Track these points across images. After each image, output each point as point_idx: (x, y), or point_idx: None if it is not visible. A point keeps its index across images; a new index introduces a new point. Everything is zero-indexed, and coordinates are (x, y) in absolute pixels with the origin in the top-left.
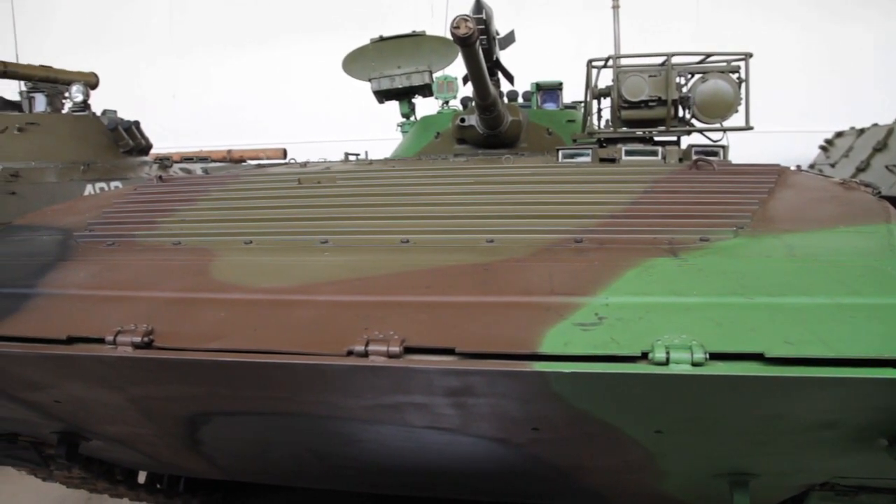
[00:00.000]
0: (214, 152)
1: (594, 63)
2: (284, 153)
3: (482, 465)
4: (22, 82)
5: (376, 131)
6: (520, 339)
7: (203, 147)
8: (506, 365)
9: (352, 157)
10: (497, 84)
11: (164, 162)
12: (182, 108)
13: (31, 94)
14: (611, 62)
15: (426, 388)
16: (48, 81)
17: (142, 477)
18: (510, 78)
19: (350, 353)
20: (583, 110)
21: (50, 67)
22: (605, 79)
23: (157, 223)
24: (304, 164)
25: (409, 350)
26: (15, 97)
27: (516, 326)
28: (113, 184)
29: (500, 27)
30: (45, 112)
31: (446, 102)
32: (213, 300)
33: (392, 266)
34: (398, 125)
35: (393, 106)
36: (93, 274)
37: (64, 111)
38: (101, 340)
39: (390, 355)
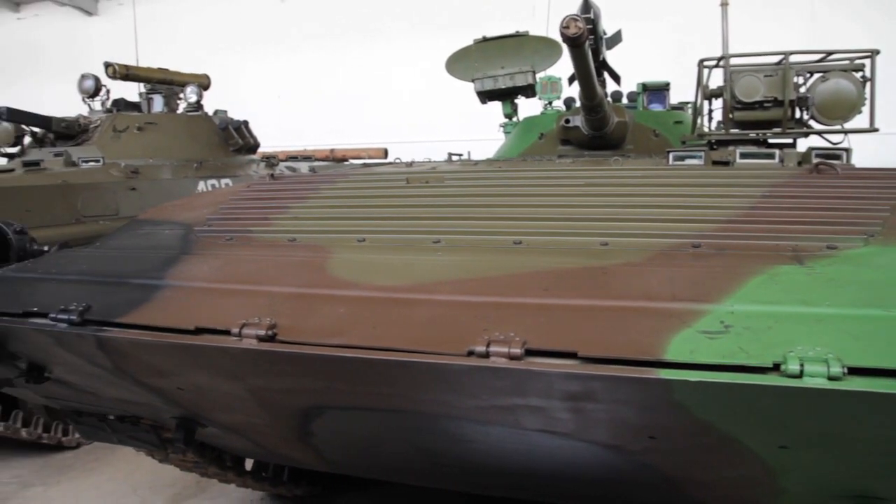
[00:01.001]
0: (318, 151)
1: (706, 63)
2: (385, 153)
3: (590, 470)
4: (141, 84)
5: (475, 132)
6: (644, 345)
7: (307, 146)
8: (629, 371)
9: (454, 158)
10: (603, 84)
11: (271, 160)
12: (286, 108)
13: (150, 96)
14: (723, 62)
15: (545, 391)
16: (165, 83)
17: (248, 464)
18: (616, 78)
19: (470, 354)
20: (691, 112)
21: (167, 70)
22: (715, 79)
23: (272, 220)
24: (410, 164)
25: (530, 352)
26: (135, 98)
27: (639, 332)
28: (223, 181)
29: (607, 27)
30: (162, 112)
31: (550, 103)
32: (333, 297)
33: (507, 267)
34: (500, 126)
35: (493, 107)
36: (215, 268)
37: (179, 111)
38: (226, 332)
39: (511, 357)
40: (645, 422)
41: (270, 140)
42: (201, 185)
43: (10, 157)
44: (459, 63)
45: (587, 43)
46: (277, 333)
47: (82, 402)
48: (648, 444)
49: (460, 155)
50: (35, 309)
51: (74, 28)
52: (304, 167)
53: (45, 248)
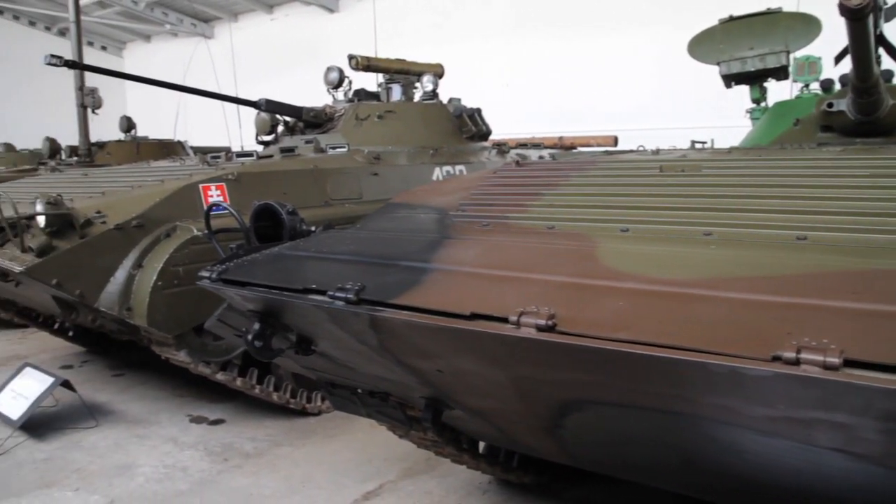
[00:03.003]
0: (546, 139)
1: None
2: (615, 141)
3: (882, 499)
4: (380, 75)
5: (712, 118)
6: None
7: (534, 134)
8: None
9: (697, 145)
10: (878, 62)
11: (502, 147)
12: (514, 96)
13: (389, 86)
14: None
15: (860, 407)
16: (402, 73)
17: (480, 447)
18: (894, 54)
19: (776, 360)
20: None
21: (404, 61)
22: None
23: (527, 206)
24: (656, 152)
25: (848, 363)
26: (374, 88)
27: None
28: (458, 167)
29: None
30: (400, 101)
31: (806, 86)
32: (609, 288)
33: (800, 265)
34: (747, 111)
35: (726, 92)
36: (480, 253)
37: (415, 100)
38: (503, 320)
39: (827, 367)
40: None
41: (499, 128)
42: (437, 172)
43: (266, 144)
44: (702, 45)
45: (871, 15)
46: (557, 324)
47: (339, 375)
48: None
49: (704, 142)
50: (314, 286)
51: (319, 25)
52: (533, 155)
53: (313, 229)
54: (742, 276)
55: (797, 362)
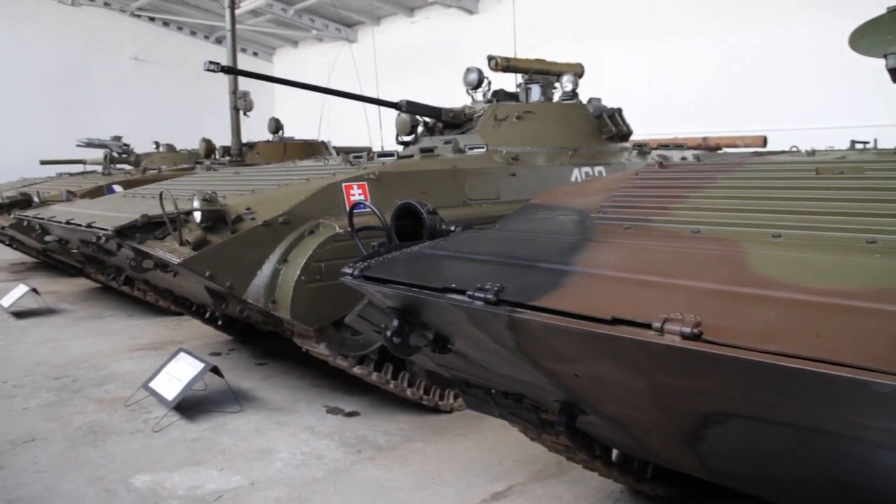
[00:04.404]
0: (689, 139)
1: None
2: (765, 141)
3: None
4: (519, 75)
5: (871, 117)
6: None
7: (676, 134)
8: None
9: (857, 146)
10: None
11: (643, 148)
12: (656, 95)
13: (528, 86)
14: None
15: None
16: (542, 73)
17: (612, 454)
18: None
19: None
20: None
21: (543, 61)
22: None
23: (670, 209)
24: (812, 153)
25: None
26: (513, 89)
27: None
28: (597, 168)
29: None
30: (538, 101)
31: None
32: (761, 297)
33: None
34: None
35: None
36: (621, 256)
37: (555, 100)
38: (646, 326)
39: None
40: None
41: (641, 128)
42: (575, 173)
43: (406, 144)
44: (867, 36)
45: None
46: (703, 332)
47: (474, 374)
48: None
49: (866, 143)
50: (453, 285)
51: (458, 26)
52: (676, 156)
53: (452, 228)
54: None
55: None
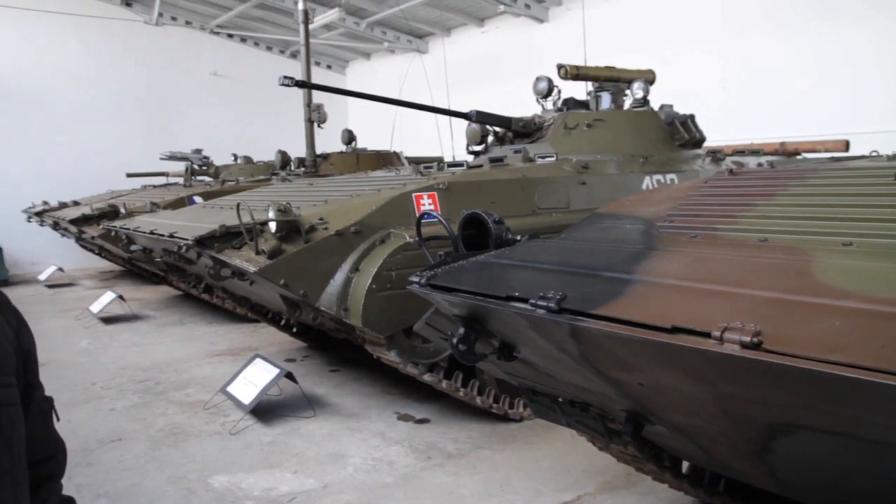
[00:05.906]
0: (766, 145)
1: None
2: (846, 145)
3: None
4: (589, 83)
5: None
6: None
7: (753, 140)
8: None
9: None
10: None
11: (717, 155)
12: (731, 100)
13: (598, 94)
14: None
15: None
16: (612, 81)
17: (683, 466)
18: None
19: None
20: None
21: (613, 68)
22: None
23: (737, 217)
24: (893, 158)
25: None
26: (583, 97)
27: None
28: (668, 176)
29: None
30: (609, 109)
31: None
32: (824, 306)
33: None
34: None
35: None
36: (685, 265)
37: (625, 107)
38: (705, 335)
39: None
40: None
41: (715, 134)
42: (646, 181)
43: (477, 154)
44: None
45: None
46: (763, 342)
47: (539, 382)
48: None
49: None
50: (516, 294)
51: (528, 36)
52: (751, 162)
53: (518, 238)
54: None
55: None
